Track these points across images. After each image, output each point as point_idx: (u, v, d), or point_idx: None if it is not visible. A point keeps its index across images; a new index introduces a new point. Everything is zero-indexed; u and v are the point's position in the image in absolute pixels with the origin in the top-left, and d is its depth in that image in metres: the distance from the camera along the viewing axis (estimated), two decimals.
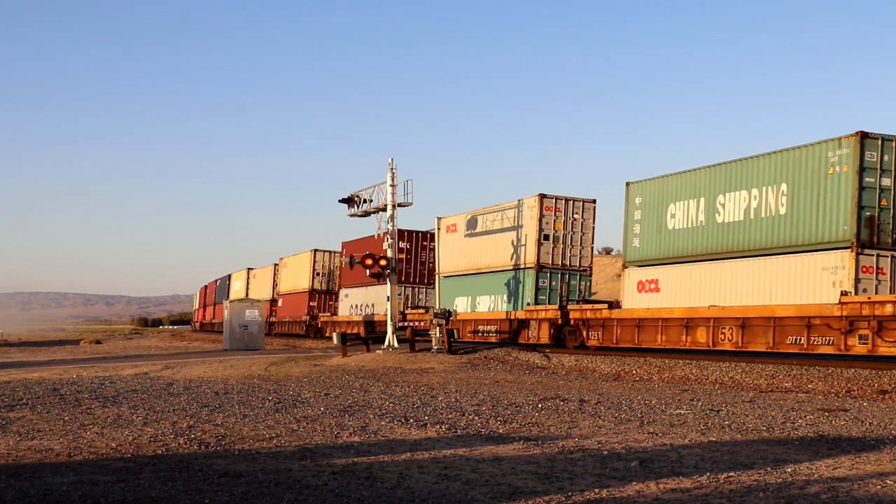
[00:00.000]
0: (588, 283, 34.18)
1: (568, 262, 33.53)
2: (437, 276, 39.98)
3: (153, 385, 20.32)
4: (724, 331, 24.05)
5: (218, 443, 11.13)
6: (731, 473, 8.89)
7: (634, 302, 27.88)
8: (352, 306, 48.77)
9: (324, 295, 56.66)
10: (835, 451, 10.35)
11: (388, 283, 33.63)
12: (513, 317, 33.57)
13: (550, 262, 33.20)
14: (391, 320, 33.44)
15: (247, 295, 72.29)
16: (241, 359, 32.18)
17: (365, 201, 35.35)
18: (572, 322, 30.02)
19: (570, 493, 7.98)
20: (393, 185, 33.41)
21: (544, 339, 31.41)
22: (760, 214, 23.78)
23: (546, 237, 33.06)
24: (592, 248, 34.45)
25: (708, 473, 8.87)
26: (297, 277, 59.33)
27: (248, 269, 75.54)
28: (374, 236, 39.99)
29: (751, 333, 23.20)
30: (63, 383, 20.88)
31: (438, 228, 40.01)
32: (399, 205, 33.63)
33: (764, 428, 12.47)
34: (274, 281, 66.61)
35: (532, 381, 21.35)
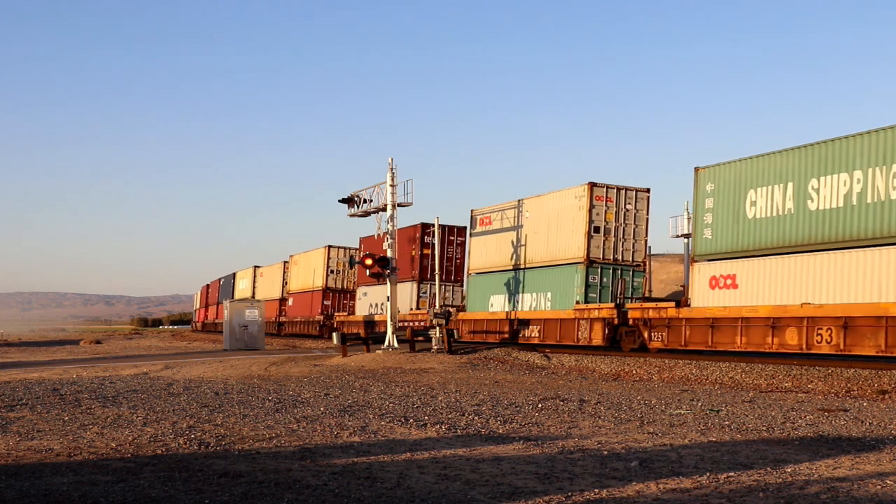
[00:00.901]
0: (642, 280, 31.69)
1: (620, 257, 30.96)
2: (467, 273, 38.17)
3: (153, 385, 20.32)
4: (820, 332, 21.50)
5: (218, 443, 11.13)
6: (731, 473, 8.89)
7: (706, 300, 25.16)
8: (371, 305, 47.05)
9: (339, 294, 54.56)
10: (835, 451, 10.35)
11: (388, 283, 33.62)
12: (560, 316, 31.21)
13: (601, 256, 30.67)
14: (391, 320, 33.43)
15: (253, 294, 71.08)
16: (241, 359, 32.18)
17: (365, 201, 35.37)
18: (631, 322, 27.73)
19: (569, 493, 7.98)
20: (393, 185, 33.42)
21: (597, 340, 29.18)
22: (865, 200, 20.95)
23: (596, 229, 30.57)
24: (646, 241, 31.79)
25: (708, 473, 8.87)
26: (310, 275, 57.39)
27: (255, 266, 73.74)
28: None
29: (856, 335, 20.68)
30: (63, 383, 20.88)
31: (471, 222, 37.94)
32: (399, 205, 33.64)
33: (764, 428, 12.47)
34: (284, 279, 64.70)
35: (532, 381, 21.35)
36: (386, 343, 33.05)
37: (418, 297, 42.27)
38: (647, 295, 31.07)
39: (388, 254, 33.55)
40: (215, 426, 12.72)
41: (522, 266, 33.84)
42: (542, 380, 22.00)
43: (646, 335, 27.05)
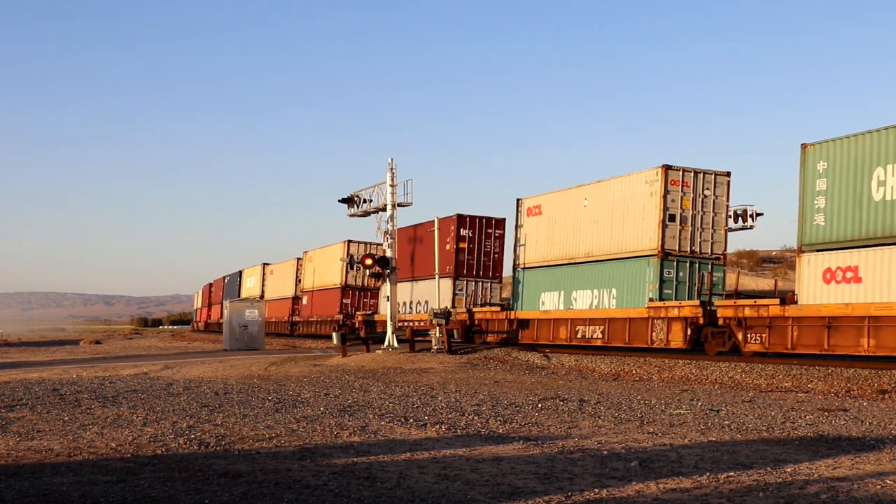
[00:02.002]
0: (722, 275, 28.34)
1: (698, 249, 27.61)
2: (515, 268, 34.55)
3: (153, 385, 20.33)
4: None
5: (218, 443, 11.13)
6: (731, 473, 8.89)
7: (819, 296, 21.84)
8: (398, 304, 43.95)
9: (359, 291, 50.76)
10: (835, 451, 10.35)
11: (388, 283, 33.64)
12: (629, 315, 28.02)
13: (677, 248, 27.26)
14: (391, 320, 33.43)
15: (262, 293, 68.49)
16: (241, 359, 32.19)
17: (365, 201, 35.41)
18: (721, 321, 24.52)
19: (569, 493, 7.98)
20: (393, 185, 33.44)
21: (676, 342, 25.91)
22: None
23: (671, 218, 27.23)
24: (726, 231, 28.40)
25: (708, 473, 8.87)
26: (327, 272, 53.55)
27: (265, 264, 70.36)
28: (415, 225, 37.56)
29: None
30: (63, 383, 20.88)
31: (518, 211, 34.35)
32: (399, 204, 33.66)
33: (764, 428, 12.47)
34: (297, 277, 60.95)
35: (532, 381, 21.36)
36: (386, 343, 33.06)
37: (454, 294, 38.49)
38: (725, 292, 27.82)
39: (388, 253, 33.57)
40: (215, 426, 12.73)
41: (581, 259, 30.61)
42: (541, 380, 22.00)
43: (739, 337, 23.74)
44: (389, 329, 33.34)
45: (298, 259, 60.94)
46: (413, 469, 9.25)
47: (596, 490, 8.15)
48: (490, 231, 38.97)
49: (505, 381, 21.58)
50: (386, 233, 34.13)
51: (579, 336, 29.96)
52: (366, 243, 49.77)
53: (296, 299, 60.49)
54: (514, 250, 34.49)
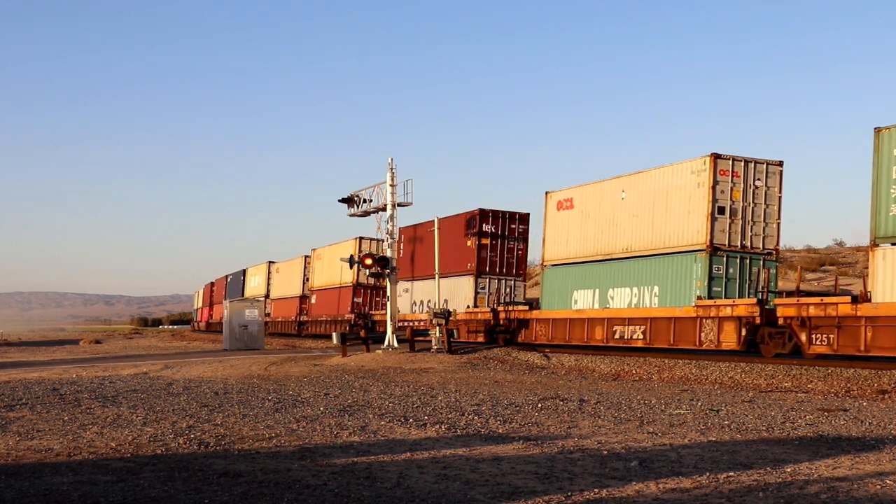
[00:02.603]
0: (775, 271, 26.45)
1: (749, 243, 25.89)
2: (543, 265, 32.85)
3: (153, 385, 20.32)
4: None
5: (218, 443, 11.13)
6: (731, 473, 8.89)
7: None
8: (415, 303, 41.36)
9: (372, 290, 48.72)
10: (834, 451, 10.35)
11: (389, 283, 33.63)
12: (674, 315, 26.14)
13: (727, 242, 25.59)
14: (391, 320, 33.42)
15: (268, 292, 67.36)
16: (241, 359, 32.18)
17: (365, 201, 35.41)
18: (781, 321, 22.68)
19: (569, 493, 7.97)
20: (393, 185, 33.43)
21: (729, 342, 24.10)
22: None
23: (721, 210, 25.51)
24: (779, 224, 26.45)
25: (707, 473, 8.87)
26: (337, 270, 51.19)
27: (270, 262, 68.56)
28: (432, 221, 35.90)
29: None
30: (63, 383, 20.88)
31: (547, 205, 32.70)
32: (399, 204, 33.65)
33: (763, 428, 12.47)
34: (304, 275, 59.24)
35: (532, 381, 21.35)
36: (386, 343, 33.06)
37: (476, 292, 36.66)
38: (783, 289, 26.07)
39: (389, 253, 33.56)
40: (215, 426, 12.72)
41: (618, 255, 28.92)
42: (541, 379, 22.00)
43: (802, 338, 21.95)
44: (389, 329, 33.34)
45: (306, 257, 59.25)
46: (413, 469, 9.24)
47: (596, 490, 8.15)
48: (513, 226, 37.26)
49: (505, 380, 21.57)
50: (387, 233, 34.13)
51: (617, 337, 28.14)
52: (378, 240, 46.79)
53: (303, 298, 58.97)
54: (542, 246, 32.78)
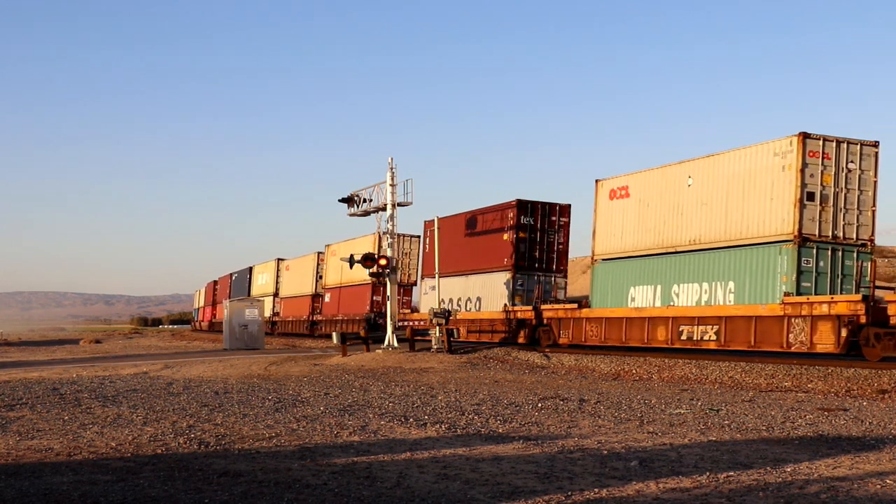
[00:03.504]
0: (870, 265, 23.43)
1: (841, 233, 23.21)
2: (593, 259, 30.35)
3: (153, 385, 20.32)
4: None
5: (218, 442, 11.13)
6: (731, 473, 8.89)
7: None
8: (443, 301, 37.66)
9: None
10: (834, 451, 10.35)
11: (388, 283, 33.61)
12: (755, 313, 23.55)
13: (817, 232, 22.96)
14: (391, 320, 33.42)
15: (276, 290, 65.46)
16: (241, 358, 32.18)
17: (365, 201, 35.39)
18: (892, 321, 20.16)
19: (569, 493, 7.97)
20: (393, 185, 33.41)
21: (825, 345, 21.50)
22: None
23: (810, 196, 22.91)
24: (874, 212, 23.72)
25: (708, 473, 8.87)
26: (355, 267, 48.61)
27: (279, 259, 65.71)
28: (471, 211, 34.93)
29: None
30: (63, 383, 20.88)
31: (597, 195, 30.22)
32: (399, 204, 33.63)
33: (764, 427, 12.47)
34: (317, 273, 56.97)
35: (532, 381, 21.35)
36: (386, 342, 33.05)
37: (514, 290, 34.10)
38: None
39: (388, 253, 33.55)
40: (215, 426, 12.72)
41: (684, 248, 26.38)
42: (541, 379, 21.99)
43: None
44: (389, 329, 33.33)
45: (319, 253, 56.64)
46: (413, 468, 9.24)
47: (596, 490, 8.15)
48: (553, 219, 34.64)
49: (505, 380, 21.57)
50: (386, 232, 34.10)
51: (684, 337, 25.58)
52: (399, 235, 43.65)
53: (316, 297, 56.34)
54: (592, 239, 30.22)
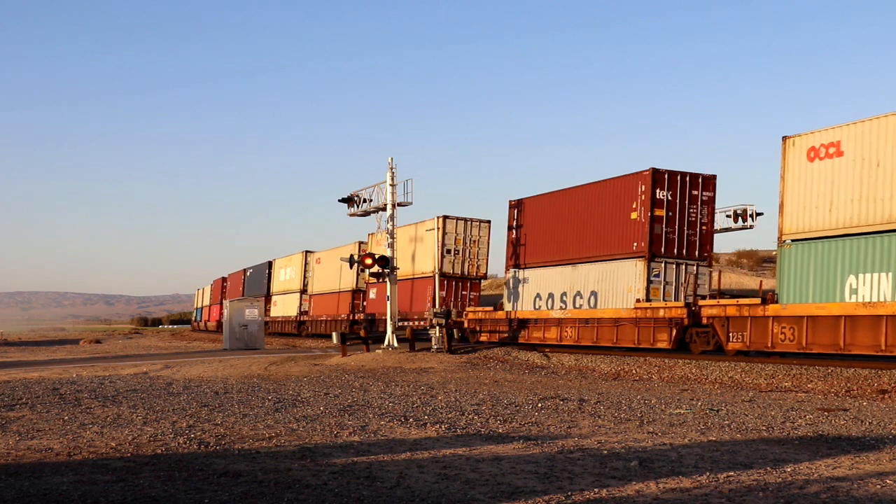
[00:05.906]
0: None
1: None
2: (780, 239, 22.83)
3: (153, 384, 20.33)
4: None
5: (218, 442, 11.13)
6: (731, 473, 8.89)
7: None
8: (538, 296, 32.20)
9: (459, 281, 39.58)
10: (834, 451, 10.35)
11: (389, 283, 33.62)
12: None
13: None
14: (391, 320, 33.43)
15: (304, 286, 58.31)
16: (241, 358, 32.18)
17: (365, 201, 35.44)
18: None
19: (569, 493, 7.97)
20: (393, 185, 33.44)
21: None
22: None
23: None
24: None
25: (707, 473, 8.87)
26: (408, 258, 41.73)
27: (307, 252, 58.70)
28: (562, 189, 31.16)
29: None
30: (63, 383, 20.88)
31: (785, 156, 22.96)
32: (399, 204, 33.67)
33: (763, 427, 12.47)
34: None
35: (532, 381, 21.35)
36: (386, 342, 33.06)
37: (648, 281, 27.39)
38: None
39: (388, 253, 33.57)
40: (215, 426, 12.72)
41: None
42: (541, 379, 21.99)
43: None
44: (389, 328, 33.33)
45: (361, 243, 48.94)
46: (413, 469, 9.24)
47: (596, 490, 8.15)
48: (695, 193, 27.82)
49: (505, 380, 21.57)
50: (386, 232, 34.12)
51: None
52: (465, 219, 39.89)
53: (356, 293, 49.62)
54: (780, 214, 23.20)
